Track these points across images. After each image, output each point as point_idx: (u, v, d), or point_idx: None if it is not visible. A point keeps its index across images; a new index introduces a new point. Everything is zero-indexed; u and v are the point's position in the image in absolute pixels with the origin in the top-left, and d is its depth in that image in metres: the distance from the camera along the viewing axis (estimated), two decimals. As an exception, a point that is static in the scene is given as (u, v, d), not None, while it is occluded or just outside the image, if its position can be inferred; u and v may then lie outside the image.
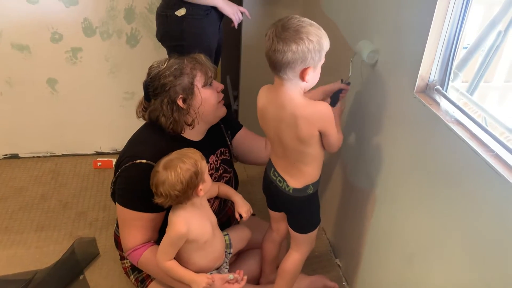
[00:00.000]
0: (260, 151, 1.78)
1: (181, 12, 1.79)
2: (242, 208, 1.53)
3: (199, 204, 1.40)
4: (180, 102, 1.44)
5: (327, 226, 2.09)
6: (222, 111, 1.57)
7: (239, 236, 1.57)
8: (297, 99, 1.25)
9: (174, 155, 1.35)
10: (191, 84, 1.44)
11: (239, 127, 1.79)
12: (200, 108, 1.47)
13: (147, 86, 1.47)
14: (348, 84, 1.46)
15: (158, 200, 1.34)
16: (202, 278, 1.37)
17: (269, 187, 1.49)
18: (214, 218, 1.47)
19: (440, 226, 1.18)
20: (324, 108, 1.25)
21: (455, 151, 1.08)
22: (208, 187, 1.38)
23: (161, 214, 1.47)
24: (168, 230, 1.36)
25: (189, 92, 1.44)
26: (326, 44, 1.20)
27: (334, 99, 1.46)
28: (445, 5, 1.11)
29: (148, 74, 1.48)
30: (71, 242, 1.97)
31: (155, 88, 1.45)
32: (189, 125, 1.49)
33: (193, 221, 1.36)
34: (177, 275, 1.39)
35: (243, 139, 1.77)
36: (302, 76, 1.20)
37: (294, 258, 1.57)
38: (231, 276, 1.42)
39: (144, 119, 1.54)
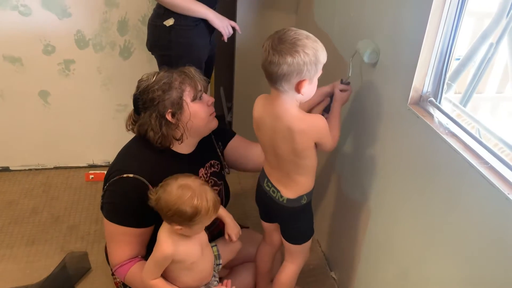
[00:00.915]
0: (258, 157, 1.71)
1: (169, 22, 1.80)
2: (233, 230, 1.51)
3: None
4: (169, 117, 1.43)
5: (321, 238, 2.08)
6: (214, 124, 1.55)
7: (228, 247, 1.55)
8: (293, 112, 1.24)
9: (197, 183, 1.29)
10: (180, 98, 1.43)
11: (232, 135, 1.77)
12: (188, 123, 1.45)
13: (136, 99, 1.46)
14: (348, 84, 1.44)
15: (152, 196, 1.30)
16: None
17: (262, 198, 1.48)
18: (204, 237, 1.43)
19: (436, 238, 1.17)
20: (320, 121, 1.26)
21: (449, 163, 1.08)
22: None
23: (149, 229, 1.45)
24: (155, 248, 1.33)
25: (177, 106, 1.43)
26: (322, 57, 1.20)
27: (327, 108, 1.46)
28: (437, 18, 1.12)
29: (137, 87, 1.47)
30: (63, 257, 1.94)
31: (144, 102, 1.44)
32: (178, 140, 1.47)
33: (181, 242, 1.32)
34: None
35: (237, 147, 1.75)
36: (297, 89, 1.20)
37: (289, 270, 1.55)
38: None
39: (133, 132, 1.52)
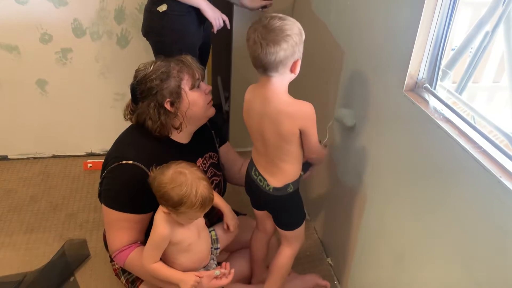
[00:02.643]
0: (235, 172, 1.80)
1: (162, 8, 1.82)
2: (231, 220, 1.53)
3: None
4: (167, 106, 1.43)
5: (318, 225, 2.10)
6: (211, 112, 1.57)
7: (225, 232, 1.57)
8: (283, 96, 1.29)
9: (194, 175, 1.28)
10: (178, 87, 1.44)
11: (225, 141, 1.80)
12: (188, 111, 1.46)
13: (134, 89, 1.46)
14: (325, 146, 1.52)
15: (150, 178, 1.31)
16: (190, 276, 1.36)
17: (250, 186, 1.50)
18: (201, 220, 1.46)
19: (430, 223, 1.19)
20: (308, 107, 1.29)
21: (444, 148, 1.09)
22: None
23: (148, 215, 1.46)
24: (152, 232, 1.35)
25: (176, 95, 1.44)
26: (303, 32, 1.25)
27: (306, 166, 1.48)
28: (432, 6, 1.13)
29: (135, 77, 1.47)
30: (61, 244, 1.95)
31: (142, 91, 1.44)
32: (177, 129, 1.48)
33: (176, 224, 1.34)
34: (164, 276, 1.37)
35: (225, 154, 1.79)
36: (293, 69, 1.25)
37: (285, 253, 1.58)
38: (217, 272, 1.41)
39: (132, 121, 1.53)
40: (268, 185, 1.41)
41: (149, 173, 1.36)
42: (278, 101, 1.28)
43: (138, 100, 1.47)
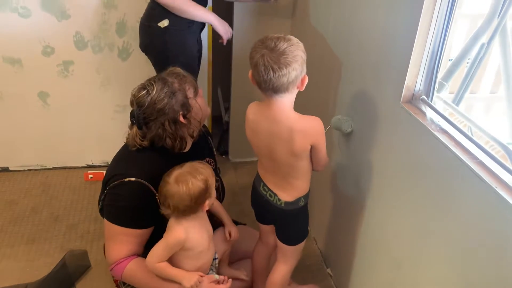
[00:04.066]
0: None
1: (164, 23, 1.82)
2: (232, 229, 1.57)
3: (201, 214, 1.42)
4: (181, 119, 1.44)
5: (318, 236, 2.10)
6: (209, 111, 1.62)
7: (221, 236, 1.58)
8: (291, 113, 1.30)
9: (186, 168, 1.36)
10: (185, 97, 1.45)
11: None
12: (198, 116, 1.50)
13: (138, 115, 1.41)
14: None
15: (164, 211, 1.35)
16: (194, 275, 1.39)
17: (258, 201, 1.51)
18: (210, 229, 1.48)
19: (429, 233, 1.20)
20: (318, 123, 1.32)
21: (441, 159, 1.11)
22: (212, 201, 1.41)
23: (149, 230, 1.48)
24: (166, 235, 1.38)
25: (186, 106, 1.45)
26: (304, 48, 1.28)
27: None
28: (428, 18, 1.15)
29: (139, 104, 1.41)
30: (62, 255, 1.96)
31: (150, 114, 1.41)
32: (192, 137, 1.51)
33: (192, 230, 1.37)
34: (168, 274, 1.39)
35: None
36: (300, 85, 1.28)
37: (281, 270, 1.58)
38: (216, 276, 1.45)
39: (142, 147, 1.47)
40: (279, 200, 1.43)
41: (151, 189, 1.38)
42: (287, 120, 1.29)
43: (142, 125, 1.43)
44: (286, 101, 1.28)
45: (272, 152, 1.35)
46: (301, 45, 1.25)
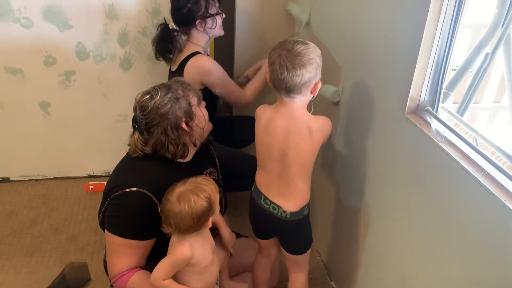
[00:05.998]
0: None
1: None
2: (230, 242, 1.56)
3: (204, 230, 1.39)
4: (183, 126, 1.43)
5: (321, 248, 2.08)
6: (211, 125, 1.60)
7: (218, 243, 1.56)
8: (307, 114, 1.38)
9: (189, 185, 1.32)
10: (189, 105, 1.44)
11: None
12: (202, 124, 1.48)
13: (140, 119, 1.41)
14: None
15: (166, 229, 1.32)
16: None
17: (259, 216, 1.49)
18: (213, 243, 1.45)
19: (434, 246, 1.17)
20: (329, 121, 1.42)
21: (447, 171, 1.09)
22: (216, 217, 1.40)
23: (151, 241, 1.45)
24: (172, 251, 1.35)
25: (189, 114, 1.44)
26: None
27: None
28: (433, 29, 1.14)
29: (142, 108, 1.41)
30: (62, 267, 1.93)
31: (152, 119, 1.40)
32: (195, 145, 1.49)
33: (196, 246, 1.35)
34: None
35: None
36: (313, 90, 1.34)
37: (300, 278, 1.60)
38: None
39: (144, 153, 1.46)
40: (284, 211, 1.42)
41: (153, 199, 1.36)
42: (303, 118, 1.35)
43: (144, 130, 1.42)
44: (299, 102, 1.34)
45: (285, 151, 1.37)
46: (318, 50, 1.31)
